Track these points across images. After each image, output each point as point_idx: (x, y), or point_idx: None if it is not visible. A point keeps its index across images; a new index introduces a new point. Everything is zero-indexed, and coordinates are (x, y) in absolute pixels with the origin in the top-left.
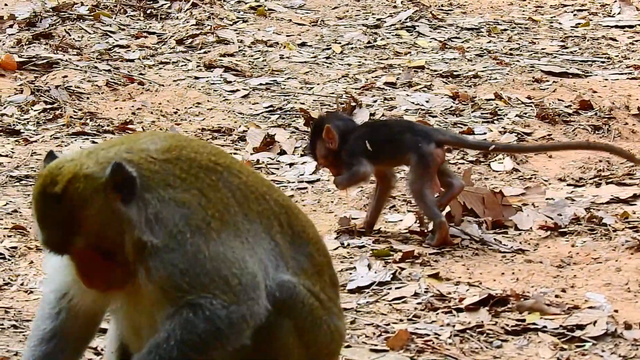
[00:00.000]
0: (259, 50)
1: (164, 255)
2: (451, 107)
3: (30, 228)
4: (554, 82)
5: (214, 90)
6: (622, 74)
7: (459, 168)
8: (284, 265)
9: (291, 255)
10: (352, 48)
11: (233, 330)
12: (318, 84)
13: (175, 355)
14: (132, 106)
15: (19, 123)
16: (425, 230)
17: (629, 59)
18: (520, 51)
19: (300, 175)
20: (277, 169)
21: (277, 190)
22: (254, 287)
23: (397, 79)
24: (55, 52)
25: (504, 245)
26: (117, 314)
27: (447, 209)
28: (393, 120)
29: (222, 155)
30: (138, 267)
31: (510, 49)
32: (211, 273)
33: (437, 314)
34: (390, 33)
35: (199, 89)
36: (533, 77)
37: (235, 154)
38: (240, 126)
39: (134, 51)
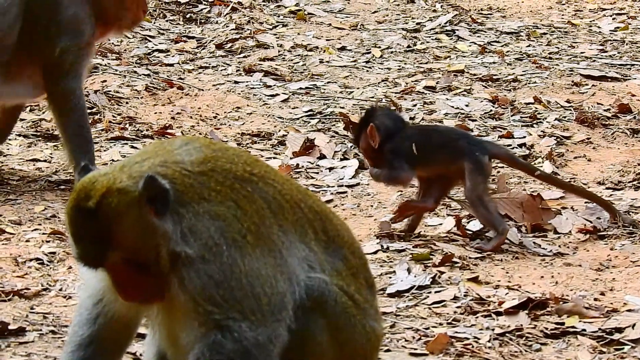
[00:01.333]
0: (298, 55)
1: (200, 265)
2: (491, 110)
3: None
4: (593, 85)
5: (254, 95)
6: None
7: (497, 171)
8: (318, 268)
9: (326, 259)
10: (391, 52)
11: (260, 352)
12: (358, 88)
13: None
14: (172, 111)
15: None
16: (483, 235)
17: None
18: (560, 55)
19: (340, 179)
20: (317, 173)
21: (311, 197)
22: (280, 308)
23: (437, 83)
24: (94, 56)
25: (543, 248)
26: (153, 321)
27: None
28: (444, 126)
29: (257, 165)
30: (172, 278)
31: (550, 53)
32: (245, 288)
33: (477, 317)
34: (429, 37)
35: (239, 94)
36: (572, 81)
37: (274, 158)
38: (279, 130)
39: (173, 55)
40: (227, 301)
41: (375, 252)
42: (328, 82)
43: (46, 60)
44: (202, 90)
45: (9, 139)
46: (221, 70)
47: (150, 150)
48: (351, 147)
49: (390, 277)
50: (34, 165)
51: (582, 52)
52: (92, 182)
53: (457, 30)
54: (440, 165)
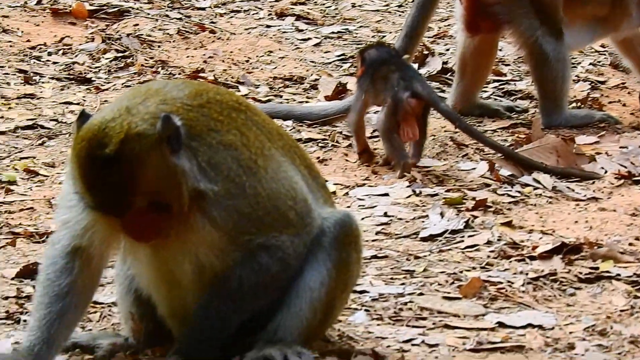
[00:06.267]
0: None
1: (228, 202)
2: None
3: None
4: None
5: (286, 39)
6: None
7: (532, 115)
8: (318, 197)
9: (315, 186)
10: None
11: (298, 260)
12: (390, 33)
13: (250, 297)
14: (204, 54)
15: (90, 71)
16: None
17: None
18: None
19: (372, 123)
20: None
21: (281, 127)
22: (308, 212)
23: None
24: (126, 0)
25: (578, 193)
26: (140, 262)
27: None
28: (397, 60)
29: (237, 96)
30: (197, 216)
31: None
32: (272, 212)
33: (510, 261)
34: None
35: (271, 38)
36: None
37: (307, 102)
38: (312, 74)
39: None
40: (261, 229)
41: (408, 197)
42: (360, 27)
43: None
44: (234, 34)
45: (42, 83)
46: (253, 14)
47: (140, 92)
48: None
49: (423, 222)
50: (67, 107)
51: None
52: (102, 129)
53: None
54: (378, 95)
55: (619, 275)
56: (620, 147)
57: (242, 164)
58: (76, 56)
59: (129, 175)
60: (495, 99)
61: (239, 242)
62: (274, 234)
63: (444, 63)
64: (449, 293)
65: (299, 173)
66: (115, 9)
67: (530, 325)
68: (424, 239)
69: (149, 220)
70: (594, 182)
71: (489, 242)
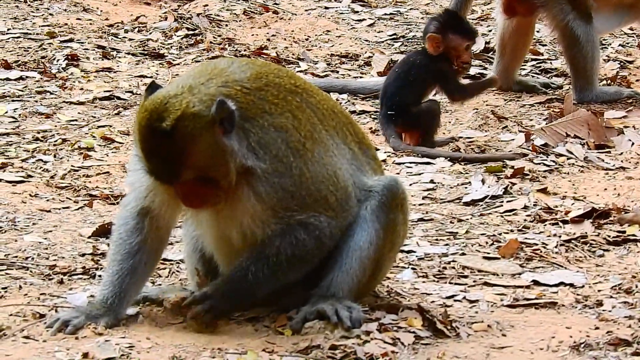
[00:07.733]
0: None
1: (274, 179)
2: None
3: None
4: None
5: (342, 19)
6: None
7: (567, 91)
8: (367, 170)
9: (364, 160)
10: None
11: (332, 242)
12: None
13: (284, 268)
14: (267, 33)
15: (163, 47)
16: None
17: None
18: None
19: None
20: None
21: (337, 103)
22: (347, 199)
23: None
24: None
25: (607, 163)
26: (202, 224)
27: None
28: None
29: (296, 77)
30: (244, 190)
31: None
32: (314, 194)
33: (545, 225)
34: None
35: (329, 18)
36: None
37: (361, 77)
38: (366, 52)
39: None
40: (302, 207)
41: (452, 165)
42: (410, 9)
43: None
44: (295, 14)
45: (119, 57)
46: None
47: (206, 70)
48: None
49: (465, 188)
50: (141, 80)
51: None
52: (163, 103)
53: None
54: None
55: None
56: None
57: (291, 146)
58: (150, 34)
59: (180, 150)
60: (533, 76)
61: (280, 216)
62: (314, 213)
63: (487, 43)
64: (488, 253)
65: (347, 153)
66: None
67: (562, 283)
68: (466, 204)
69: (198, 190)
70: (621, 153)
71: (525, 207)
